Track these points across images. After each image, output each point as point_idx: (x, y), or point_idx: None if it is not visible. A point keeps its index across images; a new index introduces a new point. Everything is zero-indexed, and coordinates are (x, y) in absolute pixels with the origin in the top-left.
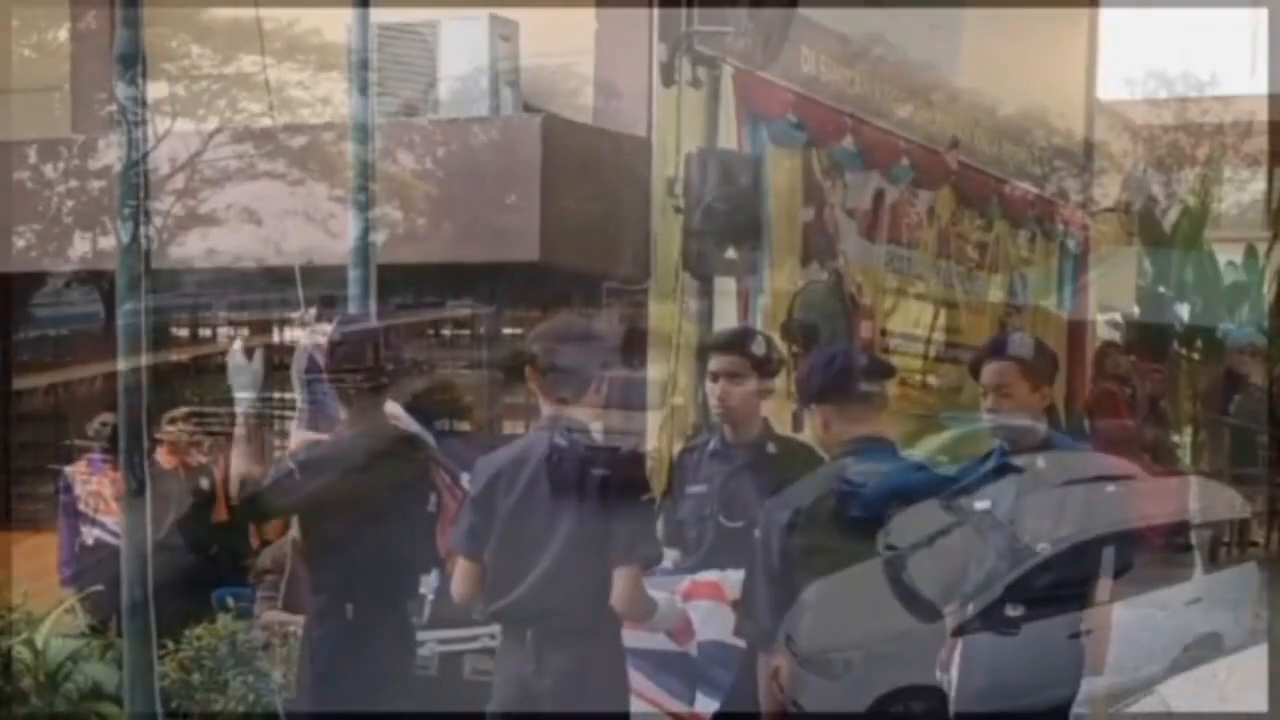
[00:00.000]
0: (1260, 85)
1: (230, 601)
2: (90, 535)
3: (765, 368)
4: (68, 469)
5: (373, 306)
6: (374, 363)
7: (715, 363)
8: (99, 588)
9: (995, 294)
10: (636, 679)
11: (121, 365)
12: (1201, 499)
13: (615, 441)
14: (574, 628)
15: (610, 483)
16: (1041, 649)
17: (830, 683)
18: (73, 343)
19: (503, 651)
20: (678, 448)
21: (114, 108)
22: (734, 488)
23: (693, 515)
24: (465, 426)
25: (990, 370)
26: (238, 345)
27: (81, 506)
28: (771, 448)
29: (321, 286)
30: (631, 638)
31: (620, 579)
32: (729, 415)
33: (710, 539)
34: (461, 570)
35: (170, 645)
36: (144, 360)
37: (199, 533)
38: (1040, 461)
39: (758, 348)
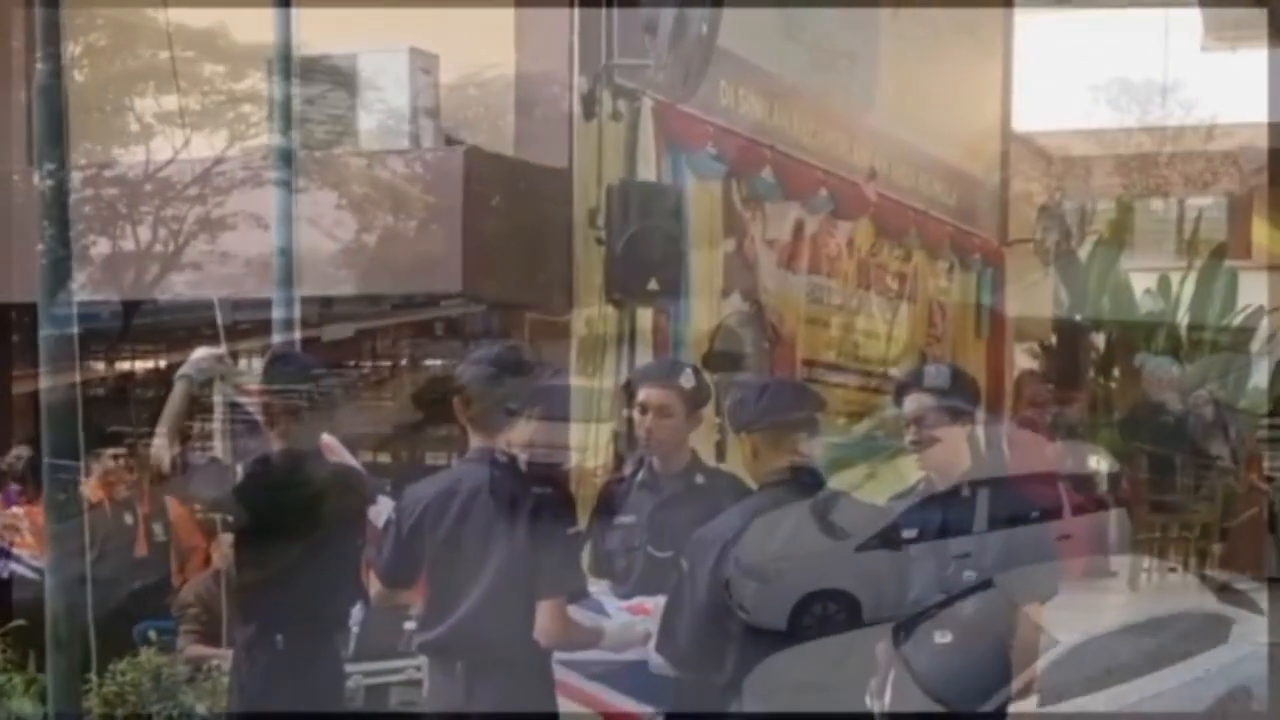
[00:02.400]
0: (1171, 118)
1: (153, 635)
2: (5, 569)
3: (694, 400)
4: None
5: (298, 338)
6: (304, 394)
7: (644, 395)
8: (21, 622)
9: (915, 324)
10: (612, 695)
11: (45, 399)
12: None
13: (542, 473)
14: (504, 660)
15: (537, 515)
16: (972, 675)
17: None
18: None
19: (433, 684)
20: (602, 478)
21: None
22: (663, 518)
23: (621, 546)
24: (388, 458)
25: (909, 401)
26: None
27: None
28: (700, 478)
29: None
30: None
31: (543, 611)
32: (657, 447)
33: (639, 569)
34: (380, 597)
35: (95, 680)
36: (78, 392)
37: (121, 567)
38: (964, 490)
39: (686, 380)
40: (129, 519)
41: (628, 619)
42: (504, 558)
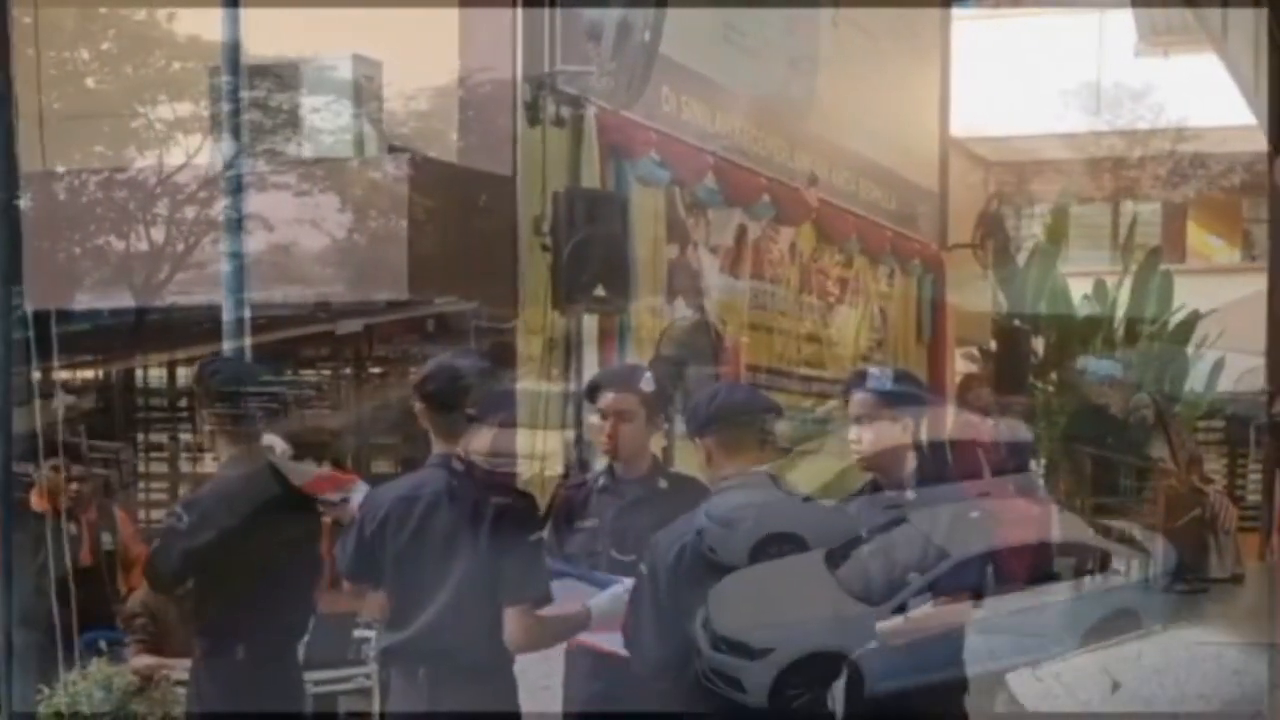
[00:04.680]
0: (1106, 123)
1: (103, 645)
2: None
3: (654, 404)
4: None
5: (247, 345)
6: (253, 400)
7: (604, 400)
8: None
9: (856, 328)
10: None
11: None
12: (1063, 529)
13: (504, 480)
14: (467, 667)
15: (499, 522)
16: (917, 670)
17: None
18: None
19: (394, 690)
20: (551, 483)
21: None
22: (626, 523)
23: (583, 550)
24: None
25: (854, 403)
26: None
27: None
28: (663, 483)
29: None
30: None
31: (511, 619)
32: (619, 452)
33: (603, 570)
34: (346, 594)
35: (45, 690)
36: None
37: (65, 577)
38: (909, 493)
39: (646, 384)
40: (73, 529)
41: (618, 588)
42: (466, 564)
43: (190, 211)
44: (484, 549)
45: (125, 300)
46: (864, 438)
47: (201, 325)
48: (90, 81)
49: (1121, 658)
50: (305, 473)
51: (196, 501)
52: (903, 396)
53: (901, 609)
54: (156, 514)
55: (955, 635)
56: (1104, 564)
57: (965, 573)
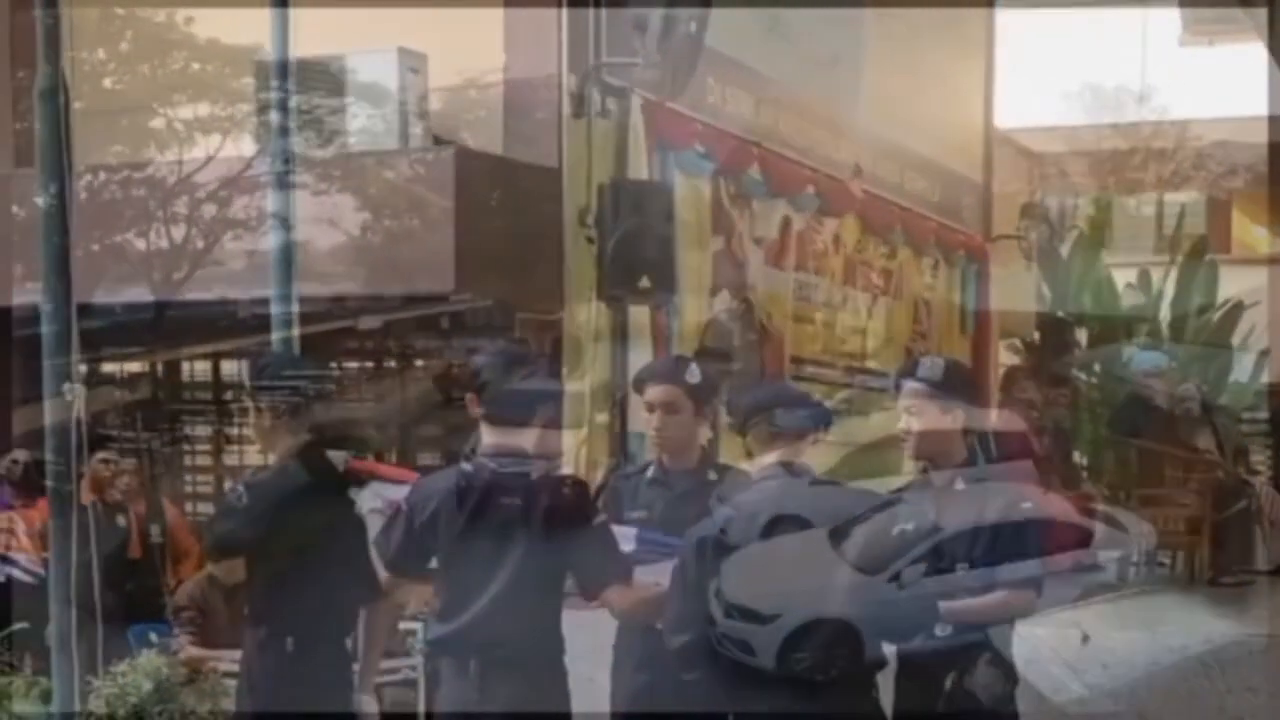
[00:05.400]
0: (1151, 113)
1: (154, 637)
2: (1, 573)
3: (701, 396)
4: None
5: (296, 339)
6: (306, 392)
7: (651, 393)
8: (24, 625)
9: (899, 321)
10: None
11: (49, 401)
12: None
13: (556, 469)
14: (519, 658)
15: (558, 511)
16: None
17: None
18: None
19: (445, 682)
20: (596, 475)
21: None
22: (675, 514)
23: (635, 540)
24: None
25: (905, 393)
26: None
27: None
28: (712, 474)
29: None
30: None
31: (615, 598)
32: (667, 444)
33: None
34: (386, 585)
35: (96, 682)
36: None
37: (114, 569)
38: (958, 483)
39: (692, 376)
40: (121, 521)
41: None
42: (522, 555)
43: (231, 206)
44: (542, 540)
45: (166, 294)
46: (914, 427)
47: (238, 319)
48: (109, 81)
49: (1098, 614)
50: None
51: (257, 484)
52: (953, 387)
53: (896, 578)
54: (203, 507)
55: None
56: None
57: (1025, 565)
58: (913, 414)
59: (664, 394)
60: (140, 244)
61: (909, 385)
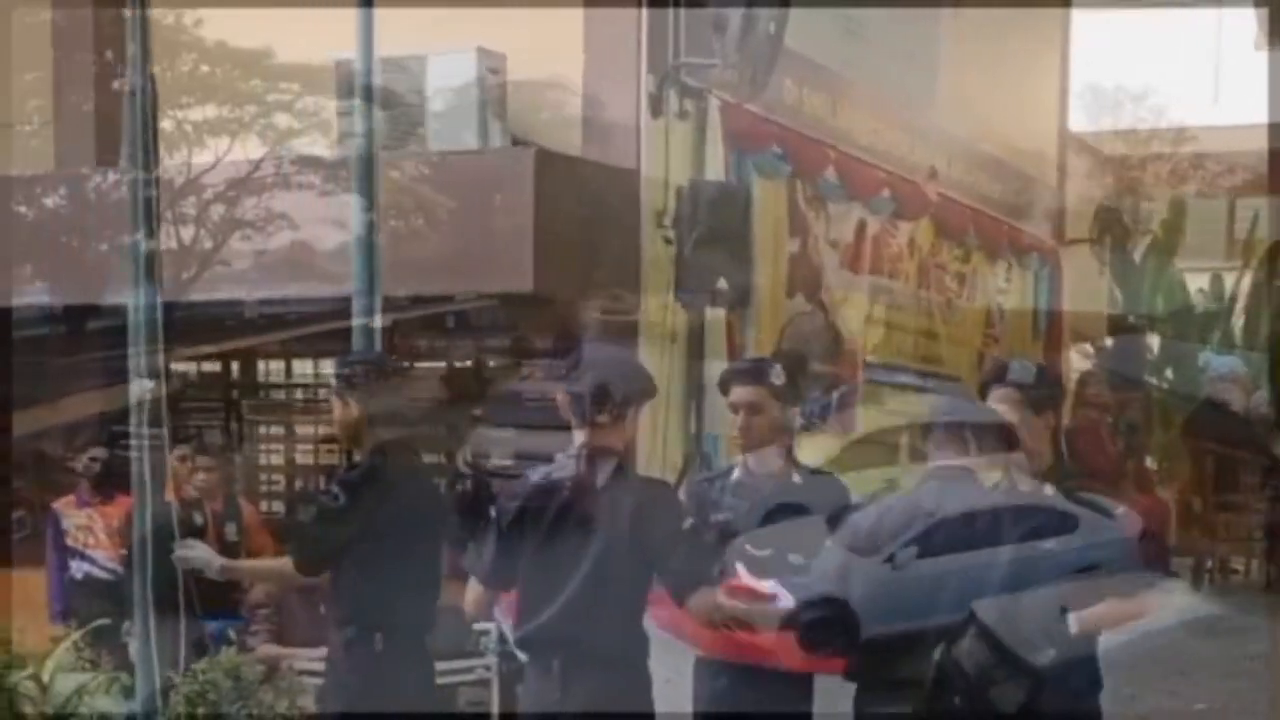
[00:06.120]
0: (1224, 117)
1: (232, 634)
2: (79, 570)
3: (786, 397)
4: (55, 504)
5: (378, 340)
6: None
7: (736, 394)
8: (105, 621)
9: (973, 324)
10: None
11: (135, 398)
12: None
13: (648, 469)
14: (602, 656)
15: (646, 511)
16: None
17: None
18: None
19: (528, 680)
20: (671, 477)
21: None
22: (760, 517)
23: (718, 542)
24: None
25: (994, 397)
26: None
27: (70, 541)
28: (796, 477)
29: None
30: None
31: (698, 601)
32: (751, 446)
33: (735, 567)
34: (476, 595)
35: (176, 678)
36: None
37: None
38: (1048, 488)
39: (777, 378)
40: (199, 519)
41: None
42: (607, 555)
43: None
44: (628, 541)
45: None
46: None
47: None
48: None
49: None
50: None
51: (350, 484)
52: (1044, 391)
53: (890, 558)
54: (277, 505)
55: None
56: None
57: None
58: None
59: (749, 395)
60: (200, 240)
61: (999, 390)
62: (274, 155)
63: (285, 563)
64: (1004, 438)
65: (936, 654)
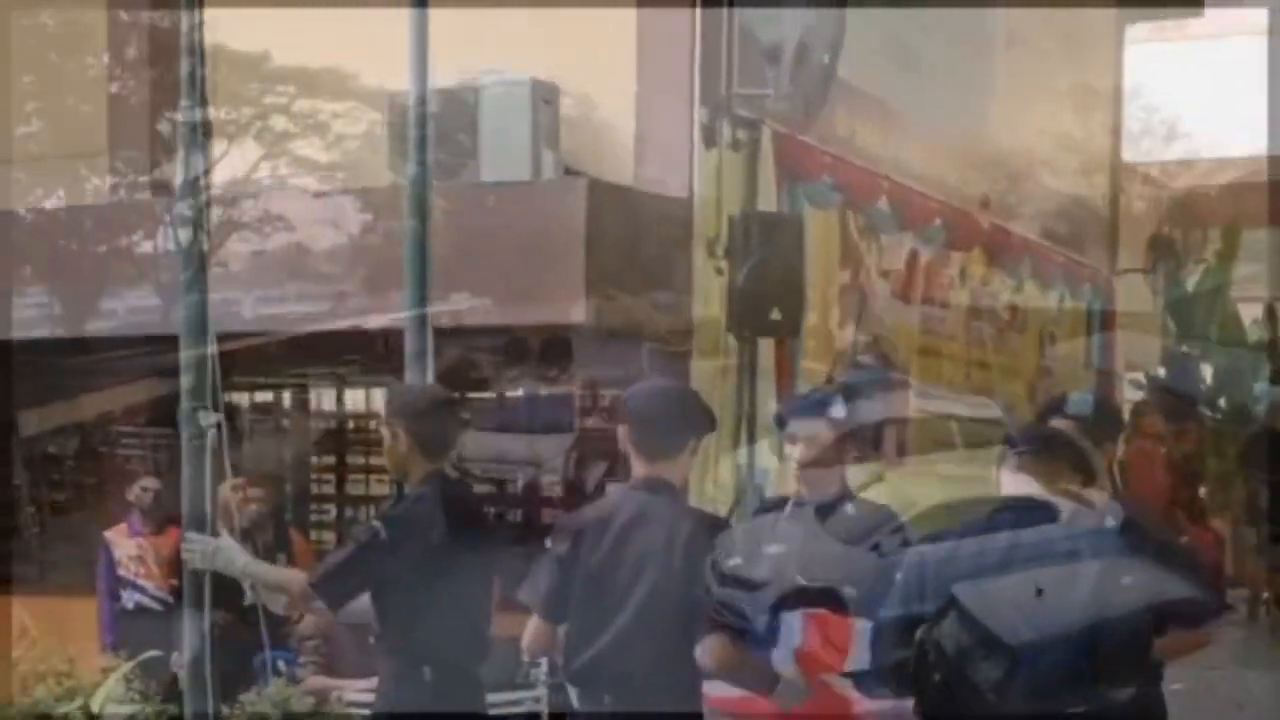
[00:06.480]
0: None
1: (281, 665)
2: (130, 600)
3: (843, 430)
4: (107, 534)
5: (430, 370)
6: (446, 422)
7: (794, 427)
8: (157, 653)
9: (1026, 355)
10: None
11: (186, 431)
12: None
13: (706, 505)
14: (655, 691)
15: (698, 545)
16: None
17: None
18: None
19: (579, 713)
20: (724, 508)
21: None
22: (815, 549)
23: (771, 575)
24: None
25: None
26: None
27: (121, 571)
28: (851, 509)
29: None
30: None
31: (711, 645)
32: (809, 479)
33: (790, 599)
34: (535, 629)
35: (226, 711)
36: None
37: (239, 596)
38: (1109, 520)
39: (837, 411)
40: (249, 549)
41: (795, 676)
42: (661, 587)
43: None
44: (680, 572)
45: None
46: None
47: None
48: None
49: (1230, 653)
50: None
51: (396, 518)
52: (1104, 423)
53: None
54: (327, 536)
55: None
56: None
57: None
58: None
59: (808, 428)
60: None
61: (1059, 421)
62: (328, 186)
63: (299, 578)
64: (1080, 467)
65: (919, 635)
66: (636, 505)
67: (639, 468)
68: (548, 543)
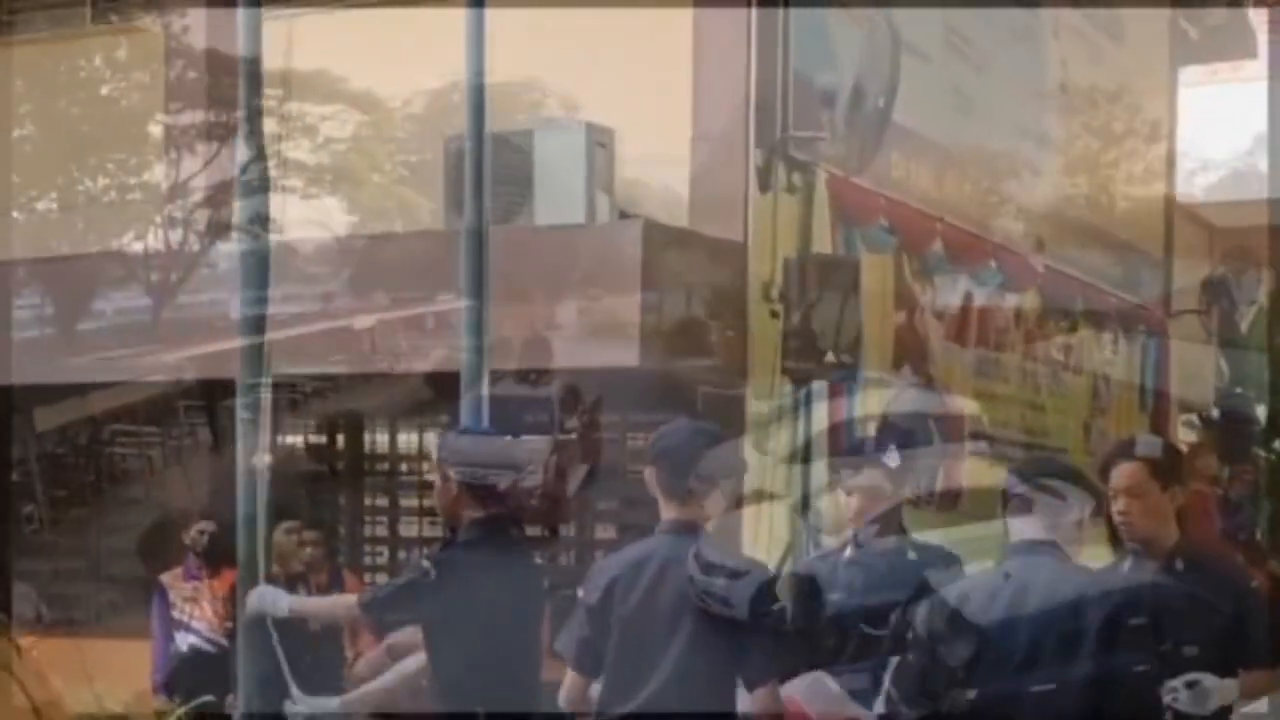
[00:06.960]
0: None
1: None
2: (184, 642)
3: (900, 478)
4: (162, 576)
5: (485, 414)
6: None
7: (850, 479)
8: (209, 698)
9: (1079, 397)
10: None
11: (242, 479)
12: None
13: (754, 548)
14: None
15: (739, 595)
16: None
17: None
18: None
19: None
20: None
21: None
22: (877, 596)
23: (831, 625)
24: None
25: (1120, 473)
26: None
27: (176, 613)
28: (912, 553)
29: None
30: None
31: (757, 700)
32: (867, 525)
33: (852, 647)
34: (571, 682)
35: None
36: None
37: (293, 642)
38: (1179, 563)
39: (891, 460)
40: (303, 592)
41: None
42: (697, 634)
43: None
44: (717, 622)
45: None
46: (1135, 510)
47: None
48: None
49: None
50: None
51: (443, 561)
52: (1173, 466)
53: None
54: (380, 578)
55: None
56: None
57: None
58: (1134, 495)
59: (869, 480)
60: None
61: (1127, 466)
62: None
63: (348, 600)
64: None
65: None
66: (667, 551)
67: (668, 511)
68: (579, 592)
